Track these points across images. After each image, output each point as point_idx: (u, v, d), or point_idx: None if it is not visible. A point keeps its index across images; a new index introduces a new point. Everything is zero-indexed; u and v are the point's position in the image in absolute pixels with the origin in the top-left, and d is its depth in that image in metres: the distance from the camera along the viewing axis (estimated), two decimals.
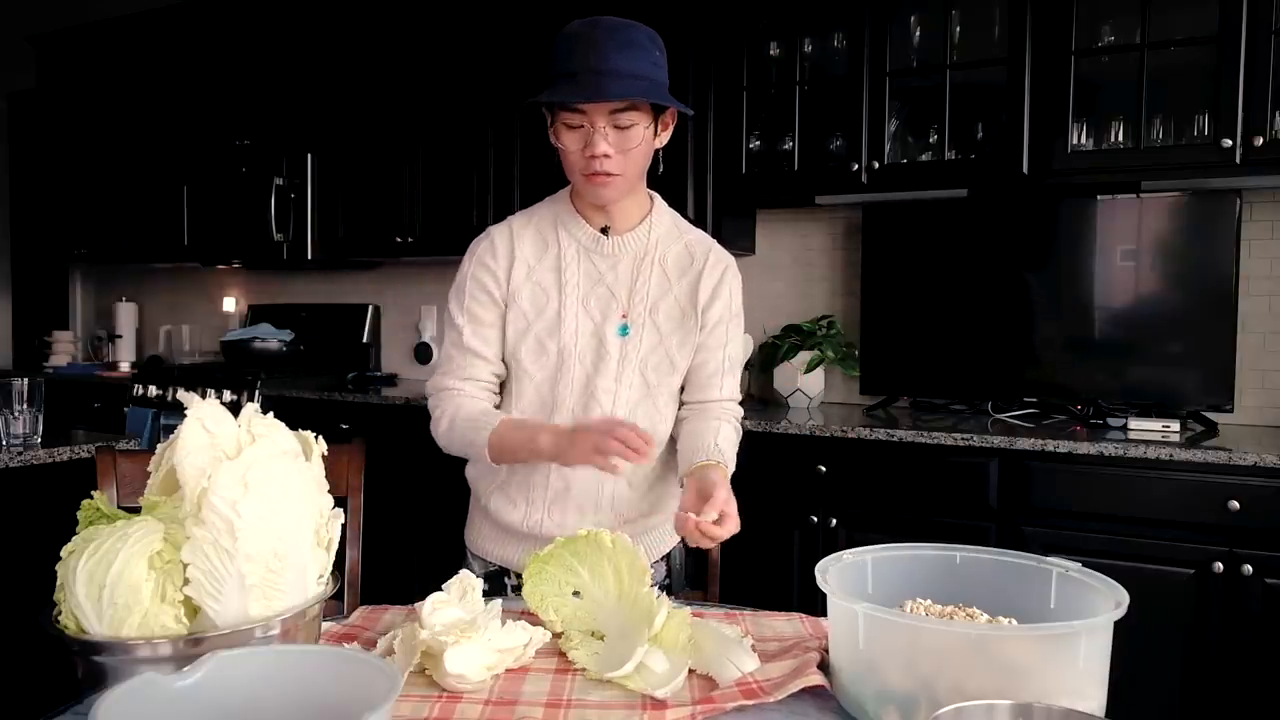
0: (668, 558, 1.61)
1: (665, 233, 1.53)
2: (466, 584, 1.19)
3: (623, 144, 1.38)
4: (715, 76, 3.08)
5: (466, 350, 1.50)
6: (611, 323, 1.49)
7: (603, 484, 1.50)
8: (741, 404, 1.60)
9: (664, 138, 1.46)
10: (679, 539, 1.63)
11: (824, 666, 1.06)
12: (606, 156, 1.37)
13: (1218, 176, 2.51)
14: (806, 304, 3.31)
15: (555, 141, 1.42)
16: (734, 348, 1.55)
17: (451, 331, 1.52)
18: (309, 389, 3.62)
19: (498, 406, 1.54)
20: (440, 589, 1.17)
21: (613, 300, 1.50)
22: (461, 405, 1.48)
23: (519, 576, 1.52)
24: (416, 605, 1.12)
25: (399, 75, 3.71)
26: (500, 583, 1.58)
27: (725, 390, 1.55)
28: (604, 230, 1.50)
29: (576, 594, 1.17)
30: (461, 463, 1.60)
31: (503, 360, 1.52)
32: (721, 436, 1.48)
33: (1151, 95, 2.53)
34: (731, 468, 1.46)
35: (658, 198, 1.56)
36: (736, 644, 1.09)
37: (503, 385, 1.56)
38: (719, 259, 1.54)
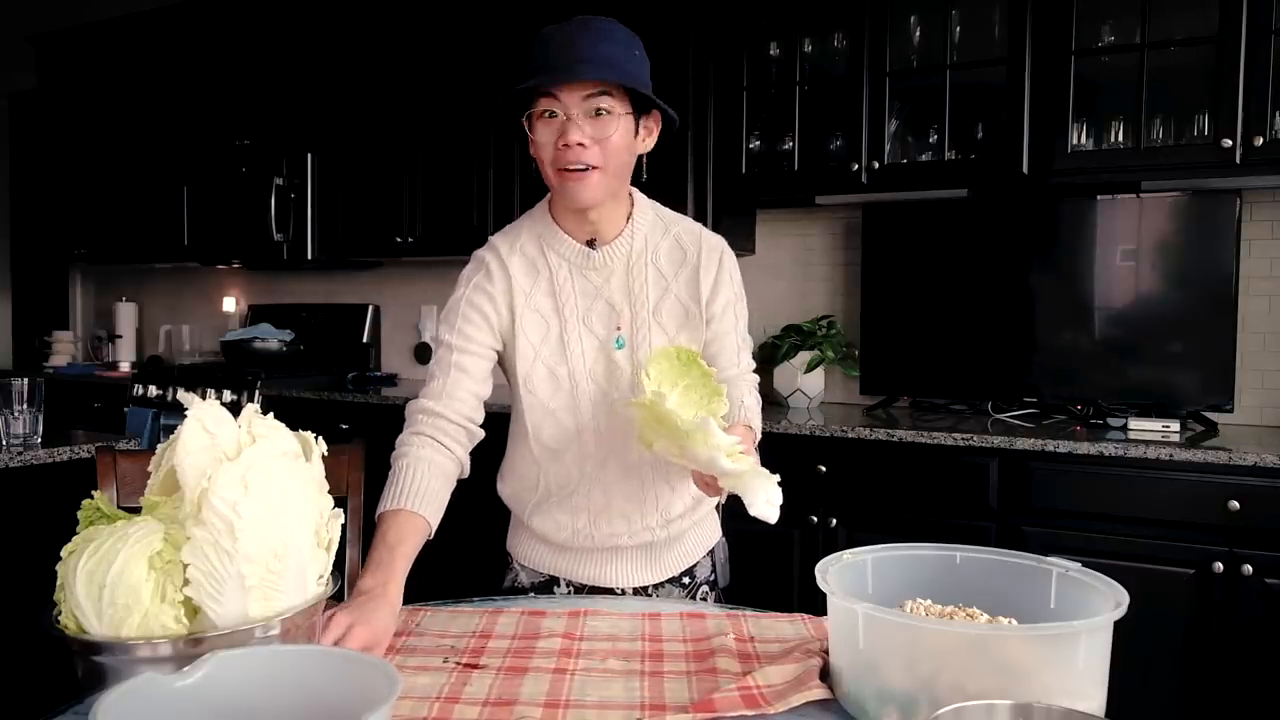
0: (712, 553, 1.61)
1: (650, 229, 1.49)
2: None
3: (599, 132, 1.33)
4: (715, 76, 3.08)
5: (452, 367, 1.44)
6: (614, 336, 1.47)
7: (644, 489, 1.49)
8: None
9: (648, 143, 1.42)
10: (721, 534, 1.63)
11: (826, 671, 1.06)
12: (581, 145, 1.32)
13: (1218, 176, 2.51)
14: (806, 304, 3.31)
15: (532, 148, 1.38)
16: (742, 324, 1.54)
17: (439, 349, 1.47)
18: (309, 389, 3.62)
19: (482, 427, 1.47)
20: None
21: (612, 313, 1.47)
22: (419, 460, 1.36)
23: (570, 585, 1.54)
24: (419, 607, 1.12)
25: (399, 76, 3.71)
26: (551, 590, 1.56)
27: (742, 364, 1.54)
28: (590, 243, 1.45)
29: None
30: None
31: (495, 382, 1.49)
32: (746, 404, 1.49)
33: (1151, 95, 2.52)
34: (757, 430, 1.45)
35: (637, 194, 1.51)
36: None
37: (508, 413, 1.53)
38: (712, 247, 1.50)
